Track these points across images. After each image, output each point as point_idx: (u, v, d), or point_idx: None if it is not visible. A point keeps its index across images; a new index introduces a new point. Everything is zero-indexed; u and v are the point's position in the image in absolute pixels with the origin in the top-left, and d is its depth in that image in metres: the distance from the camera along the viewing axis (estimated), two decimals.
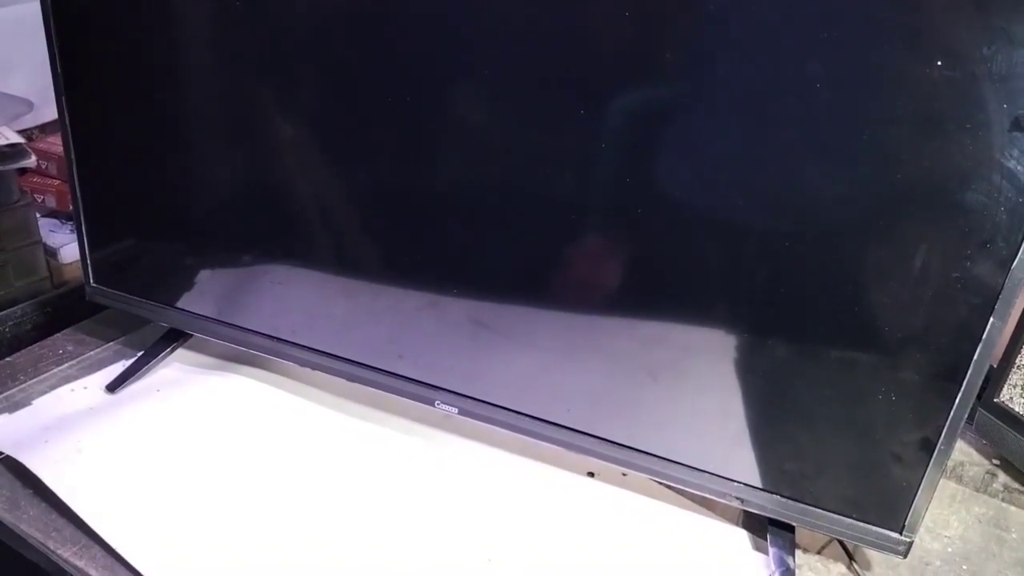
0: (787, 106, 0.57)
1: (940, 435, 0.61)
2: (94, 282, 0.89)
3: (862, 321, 0.61)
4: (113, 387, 0.86)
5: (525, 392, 0.75)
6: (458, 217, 0.71)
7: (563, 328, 0.72)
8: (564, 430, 0.74)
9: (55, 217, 1.11)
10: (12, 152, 0.93)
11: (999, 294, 0.56)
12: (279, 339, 0.83)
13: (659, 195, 0.64)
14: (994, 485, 0.84)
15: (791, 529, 0.72)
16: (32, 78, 1.11)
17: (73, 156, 0.83)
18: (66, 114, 0.82)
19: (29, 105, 1.10)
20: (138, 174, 0.83)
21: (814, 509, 0.68)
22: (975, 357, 0.58)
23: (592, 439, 0.73)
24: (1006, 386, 0.83)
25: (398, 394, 0.79)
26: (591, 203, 0.66)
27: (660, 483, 0.77)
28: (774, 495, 0.69)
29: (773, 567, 0.70)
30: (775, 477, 0.68)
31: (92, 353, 0.92)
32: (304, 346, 0.82)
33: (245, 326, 0.84)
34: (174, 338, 0.92)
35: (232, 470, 0.76)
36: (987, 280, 0.56)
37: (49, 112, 1.10)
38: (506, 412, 0.75)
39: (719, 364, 0.67)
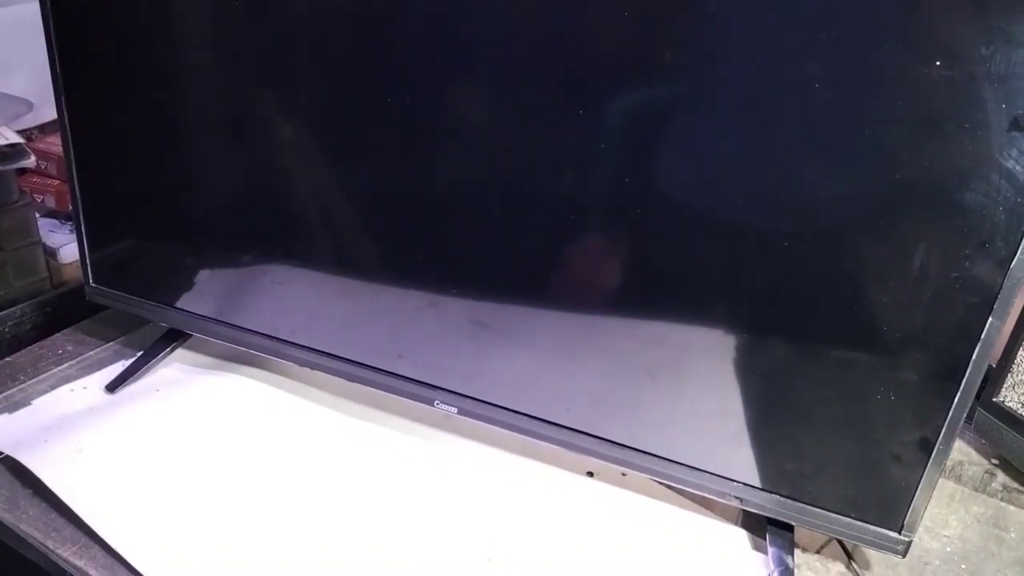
0: (786, 106, 0.57)
1: (939, 435, 0.61)
2: (93, 282, 0.89)
3: (861, 321, 0.61)
4: (113, 387, 0.86)
5: (525, 392, 0.75)
6: (458, 217, 0.71)
7: (563, 328, 0.72)
8: (564, 430, 0.74)
9: (55, 217, 1.11)
10: (12, 152, 0.93)
11: (998, 294, 0.56)
12: (279, 339, 0.83)
13: (658, 195, 0.64)
14: (993, 485, 0.84)
15: (790, 528, 0.72)
16: (32, 78, 1.11)
17: (72, 156, 0.83)
18: (65, 114, 0.82)
19: (29, 105, 1.10)
20: (137, 174, 0.83)
21: (813, 508, 0.68)
22: (974, 357, 0.58)
23: (592, 439, 0.73)
24: (1005, 386, 0.83)
25: (398, 394, 0.79)
26: (590, 203, 0.67)
27: (659, 483, 0.77)
28: (773, 495, 0.69)
29: (772, 566, 0.70)
30: (774, 477, 0.68)
31: (92, 353, 0.92)
32: (304, 346, 0.82)
33: (245, 326, 0.84)
34: (174, 338, 0.92)
35: (232, 470, 0.76)
36: (986, 280, 0.56)
37: (49, 112, 1.10)
38: (506, 412, 0.75)
39: (718, 364, 0.67)
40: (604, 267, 0.69)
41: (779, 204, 0.60)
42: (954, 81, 0.52)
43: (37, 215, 1.03)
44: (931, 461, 0.62)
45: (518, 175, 0.68)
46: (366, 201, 0.75)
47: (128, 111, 0.80)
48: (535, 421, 0.74)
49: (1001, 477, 0.84)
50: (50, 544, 0.68)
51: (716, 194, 0.62)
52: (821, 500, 0.67)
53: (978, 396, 0.76)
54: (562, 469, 0.80)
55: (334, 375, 0.82)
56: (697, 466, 0.71)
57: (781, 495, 0.69)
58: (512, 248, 0.71)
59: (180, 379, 0.88)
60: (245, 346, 0.85)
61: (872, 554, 0.74)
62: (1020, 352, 0.82)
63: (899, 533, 0.66)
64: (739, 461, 0.69)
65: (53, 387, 0.86)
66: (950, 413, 0.61)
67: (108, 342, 0.94)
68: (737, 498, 0.70)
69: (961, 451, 0.88)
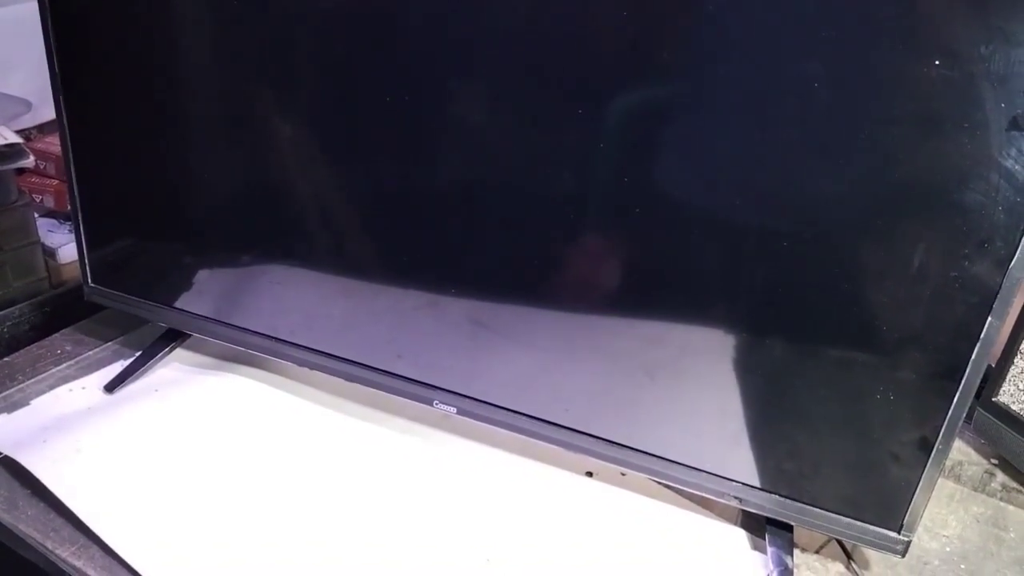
0: (785, 105, 0.57)
1: (938, 434, 0.61)
2: (92, 282, 0.89)
3: (860, 320, 0.61)
4: (111, 387, 0.86)
5: (524, 392, 0.75)
6: (457, 217, 0.71)
7: (562, 328, 0.72)
8: (563, 430, 0.74)
9: (53, 217, 1.11)
10: (10, 152, 0.93)
11: (997, 293, 0.56)
12: (277, 339, 0.83)
13: (657, 195, 0.64)
14: (992, 484, 0.84)
15: (789, 528, 0.72)
16: (30, 78, 1.11)
17: (71, 156, 0.83)
18: (64, 114, 0.82)
19: (27, 105, 1.10)
20: (136, 174, 0.83)
21: (812, 508, 0.68)
22: (973, 356, 0.58)
23: (591, 439, 0.73)
24: (1004, 385, 0.83)
25: (396, 394, 0.79)
26: (589, 203, 0.66)
27: (659, 483, 0.77)
28: (772, 494, 0.69)
29: (771, 566, 0.70)
30: (773, 476, 0.68)
31: (90, 353, 0.92)
32: (303, 346, 0.82)
33: (244, 326, 0.84)
34: (172, 338, 0.91)
35: (230, 470, 0.76)
36: (985, 279, 0.56)
37: (47, 112, 1.10)
38: (505, 412, 0.75)
39: (717, 364, 0.67)
40: (603, 267, 0.69)
41: (778, 204, 0.60)
42: (953, 80, 0.52)
43: (36, 215, 1.03)
44: (930, 461, 0.62)
45: (517, 175, 0.68)
46: (365, 201, 0.75)
47: (127, 111, 0.80)
48: (534, 421, 0.74)
49: (1000, 477, 0.84)
50: (49, 544, 0.68)
51: (715, 194, 0.62)
52: (820, 500, 0.67)
53: (977, 396, 0.76)
54: (561, 469, 0.80)
55: (333, 375, 0.82)
56: (696, 466, 0.71)
57: (780, 495, 0.69)
58: (511, 248, 0.71)
59: (179, 379, 0.88)
60: (244, 346, 0.85)
61: (871, 554, 0.74)
62: (1019, 352, 0.82)
63: (898, 533, 0.66)
64: (738, 461, 0.69)
65: (52, 387, 0.86)
66: (949, 413, 0.61)
67: (107, 342, 0.94)
68: (736, 498, 0.70)
69: (960, 451, 0.88)
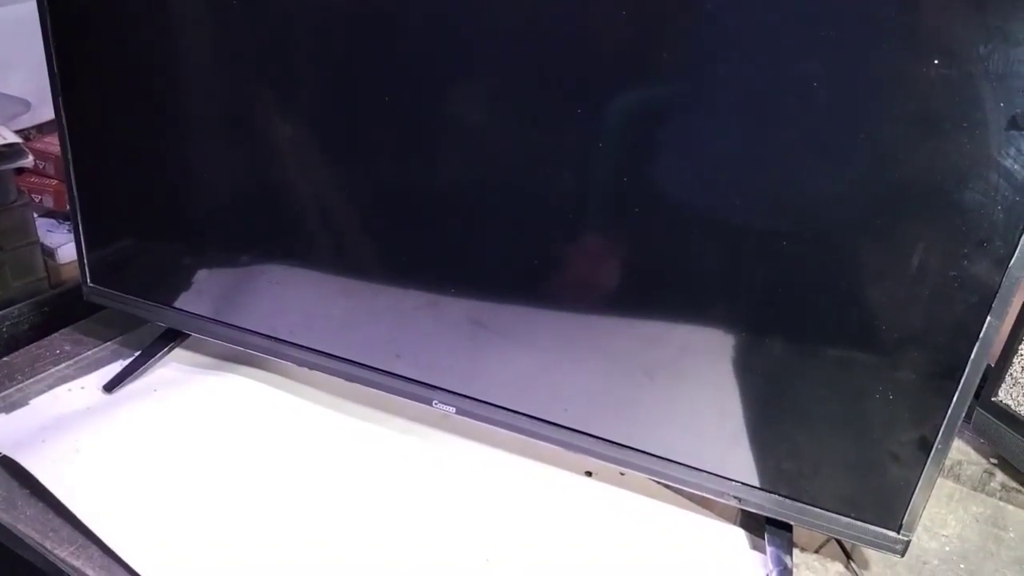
0: (784, 105, 0.57)
1: (938, 434, 0.61)
2: (91, 282, 0.89)
3: (860, 320, 0.61)
4: (110, 387, 0.86)
5: (523, 392, 0.75)
6: (456, 217, 0.71)
7: (561, 328, 0.72)
8: (562, 430, 0.74)
9: (52, 217, 1.11)
10: (9, 152, 0.93)
11: (996, 293, 0.56)
12: (277, 339, 0.83)
13: (657, 195, 0.64)
14: (992, 484, 0.84)
15: (789, 528, 0.72)
16: (30, 78, 1.11)
17: (70, 156, 0.83)
18: (63, 114, 0.82)
19: (27, 105, 1.10)
20: (135, 174, 0.83)
21: (812, 508, 0.68)
22: (972, 356, 0.58)
23: (590, 439, 0.73)
24: (1004, 385, 0.83)
25: (396, 394, 0.79)
26: (589, 203, 0.66)
27: (658, 482, 0.77)
28: (772, 494, 0.69)
29: (771, 566, 0.70)
30: (773, 476, 0.68)
31: (89, 353, 0.92)
32: (302, 346, 0.82)
33: (243, 326, 0.84)
34: (171, 338, 0.91)
35: (230, 470, 0.76)
36: (984, 279, 0.56)
37: (47, 112, 1.10)
38: (504, 412, 0.75)
39: (717, 363, 0.67)
40: (602, 267, 0.69)
41: (777, 203, 0.60)
42: (952, 80, 0.52)
43: (35, 215, 1.03)
44: (930, 460, 0.62)
45: (517, 175, 0.68)
46: (364, 201, 0.75)
47: (126, 111, 0.80)
48: (533, 421, 0.74)
49: (1000, 476, 0.84)
50: (48, 544, 0.68)
51: (715, 194, 0.62)
52: (820, 499, 0.67)
53: (977, 395, 0.76)
54: (561, 469, 0.80)
55: (332, 375, 0.81)
56: (696, 466, 0.70)
57: (780, 494, 0.69)
58: (511, 248, 0.71)
59: (178, 379, 0.88)
60: (243, 346, 0.85)
61: (871, 554, 0.74)
62: (1019, 351, 0.82)
63: (898, 532, 0.66)
64: (738, 461, 0.69)
65: (51, 387, 0.86)
66: (949, 412, 0.61)
67: (106, 342, 0.94)
68: (736, 497, 0.70)
69: (960, 450, 0.88)
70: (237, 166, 0.79)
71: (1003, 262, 0.55)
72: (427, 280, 0.75)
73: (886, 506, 0.65)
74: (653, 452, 0.71)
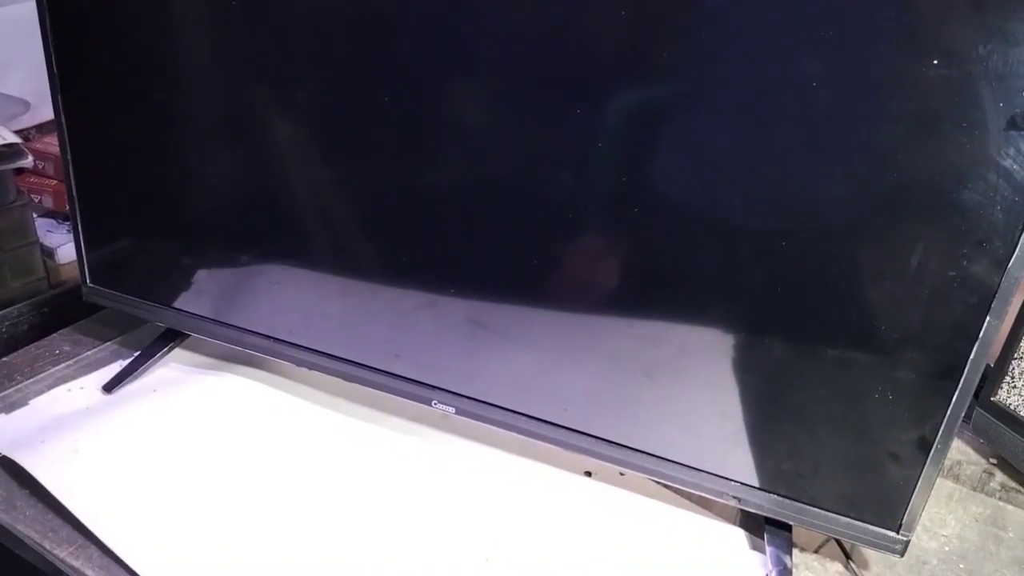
0: (783, 105, 0.57)
1: (937, 434, 0.61)
2: (91, 282, 0.89)
3: (859, 320, 0.61)
4: (110, 387, 0.86)
5: (522, 392, 0.75)
6: (455, 216, 0.71)
7: (560, 328, 0.72)
8: (561, 429, 0.74)
9: (52, 217, 1.11)
10: (9, 152, 0.93)
11: (995, 293, 0.56)
12: (276, 339, 0.83)
13: (656, 194, 0.64)
14: (991, 484, 0.84)
15: (788, 528, 0.72)
16: (29, 78, 1.11)
17: (69, 156, 0.83)
18: (62, 114, 0.82)
19: (26, 105, 1.10)
20: (135, 174, 0.83)
21: (811, 508, 0.68)
22: (972, 356, 0.58)
23: (589, 438, 0.73)
24: (1003, 385, 0.83)
25: (395, 394, 0.79)
26: (588, 202, 0.66)
27: (657, 482, 0.77)
28: (771, 494, 0.69)
29: (770, 566, 0.70)
30: (772, 476, 0.68)
31: (89, 353, 0.92)
32: (301, 346, 0.82)
33: (242, 326, 0.84)
34: (171, 338, 0.91)
35: (229, 470, 0.76)
36: (984, 279, 0.56)
37: (46, 112, 1.10)
38: (503, 412, 0.75)
39: (716, 363, 0.67)
40: (601, 267, 0.69)
41: (776, 203, 0.60)
42: (951, 80, 0.52)
43: (34, 215, 1.03)
44: (929, 460, 0.62)
45: (516, 174, 0.68)
46: (363, 201, 0.75)
47: (125, 111, 0.80)
48: (533, 421, 0.74)
49: (999, 476, 0.84)
50: (47, 544, 0.68)
51: (714, 194, 0.62)
52: (819, 499, 0.67)
53: (976, 395, 0.76)
54: (560, 469, 0.80)
55: (331, 375, 0.81)
56: (695, 465, 0.70)
57: (779, 495, 0.69)
58: (510, 248, 0.71)
59: (177, 379, 0.88)
60: (242, 346, 0.85)
61: (870, 553, 0.74)
62: (1018, 351, 0.82)
63: (897, 532, 0.66)
64: (737, 460, 0.69)
65: (50, 387, 0.86)
66: (948, 412, 0.60)
67: (105, 342, 0.94)
68: (735, 498, 0.70)
69: (959, 450, 0.88)
70: (236, 166, 0.79)
71: (1002, 262, 0.55)
72: (426, 280, 0.75)
73: (885, 506, 0.65)
74: (652, 452, 0.71)
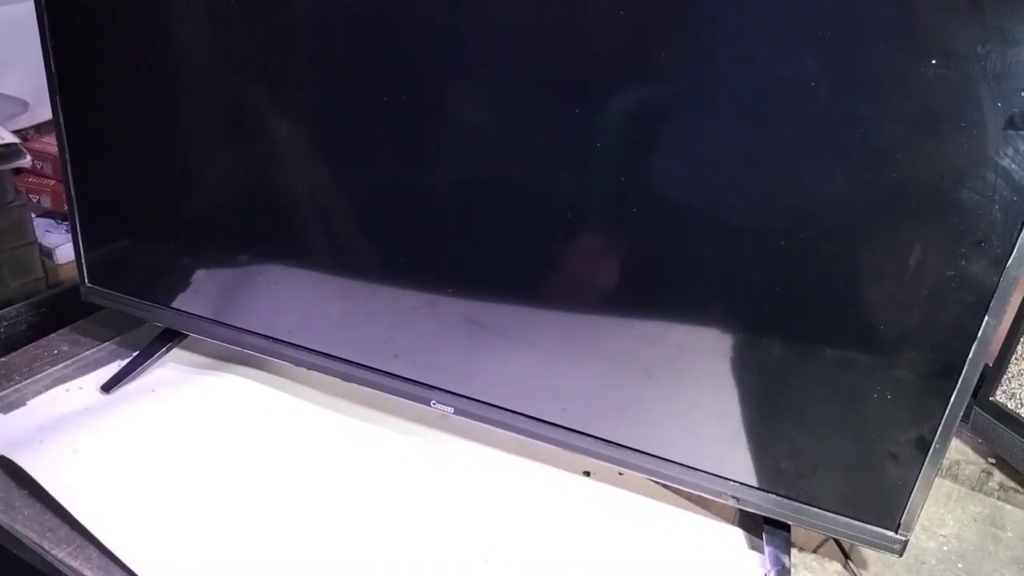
0: (781, 105, 0.57)
1: (935, 434, 0.61)
2: (89, 282, 0.89)
3: (858, 320, 0.61)
4: (108, 387, 0.86)
5: (521, 391, 0.75)
6: (454, 216, 0.71)
7: (559, 327, 0.72)
8: (560, 429, 0.74)
9: (51, 217, 1.11)
10: (7, 152, 0.93)
11: (994, 292, 0.56)
12: (275, 339, 0.83)
13: (655, 194, 0.64)
14: (990, 484, 0.84)
15: (787, 528, 0.72)
16: (27, 78, 1.11)
17: (68, 156, 0.83)
18: (60, 114, 0.81)
19: (24, 105, 1.10)
20: (133, 174, 0.83)
21: (810, 508, 0.68)
22: (970, 355, 0.58)
23: (588, 438, 0.73)
24: (1002, 385, 0.83)
25: (394, 394, 0.79)
26: (587, 202, 0.66)
27: (656, 482, 0.77)
28: (770, 494, 0.69)
29: (769, 566, 0.70)
30: (771, 476, 0.68)
31: (87, 353, 0.92)
32: (300, 346, 0.82)
33: (241, 326, 0.84)
34: (169, 338, 0.91)
35: (227, 470, 0.76)
36: (982, 278, 0.56)
37: (45, 112, 1.10)
38: (502, 412, 0.75)
39: (715, 363, 0.67)
40: (600, 266, 0.69)
41: (775, 203, 0.60)
42: (950, 80, 0.52)
43: (33, 215, 1.03)
44: (928, 460, 0.62)
45: (514, 174, 0.68)
46: (362, 201, 0.75)
47: (123, 111, 0.80)
48: (532, 421, 0.74)
49: (998, 476, 0.84)
50: (45, 545, 0.68)
51: (712, 193, 0.62)
52: (818, 499, 0.67)
53: (975, 395, 0.76)
54: (559, 468, 0.80)
55: (330, 375, 0.81)
56: (694, 465, 0.70)
57: (778, 494, 0.69)
58: (508, 247, 0.71)
59: (176, 379, 0.88)
60: (241, 346, 0.85)
61: (869, 553, 0.74)
62: (1017, 351, 0.82)
63: (896, 532, 0.66)
64: (736, 460, 0.69)
65: (49, 387, 0.86)
66: (947, 412, 0.61)
67: (104, 342, 0.94)
68: (734, 497, 0.70)
69: (958, 450, 0.88)
70: (235, 166, 0.79)
71: (1001, 262, 0.55)
72: (425, 280, 0.75)
73: (884, 506, 0.65)
74: (651, 452, 0.71)
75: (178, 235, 0.84)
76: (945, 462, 0.84)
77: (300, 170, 0.76)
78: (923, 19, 0.52)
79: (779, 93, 0.57)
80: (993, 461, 0.86)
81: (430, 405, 0.78)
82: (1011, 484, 0.84)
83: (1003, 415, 0.83)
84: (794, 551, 0.73)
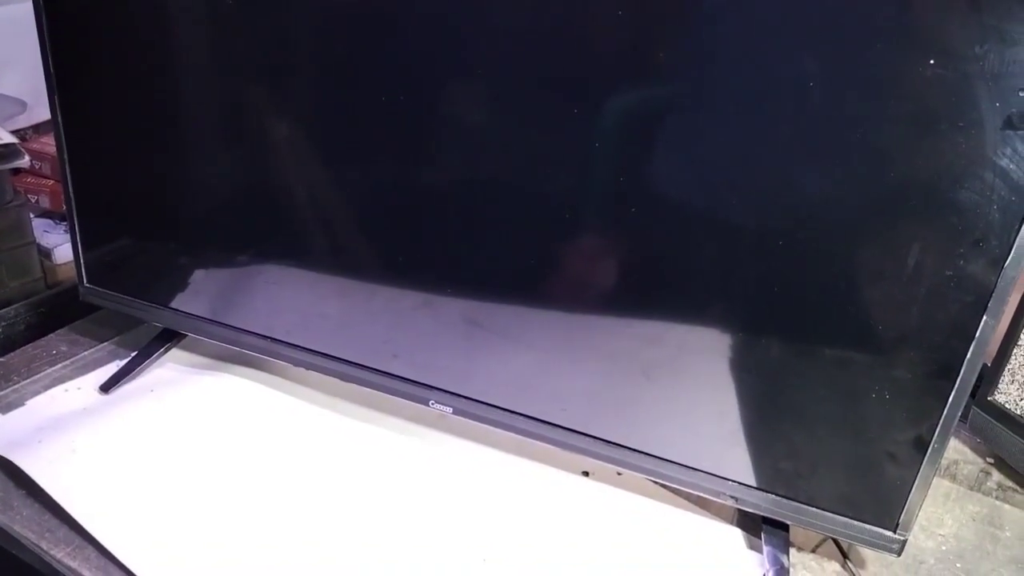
0: (780, 105, 0.57)
1: (934, 433, 0.61)
2: (88, 282, 0.89)
3: (856, 320, 0.61)
4: (107, 387, 0.86)
5: (520, 391, 0.75)
6: (453, 216, 0.71)
7: (558, 327, 0.72)
8: (559, 429, 0.74)
9: (49, 217, 1.11)
10: (6, 152, 0.92)
11: (992, 292, 0.56)
12: (273, 339, 0.83)
13: (653, 194, 0.64)
14: (988, 483, 0.84)
15: (786, 528, 0.72)
16: (26, 78, 1.11)
17: (66, 156, 0.83)
18: (59, 114, 0.81)
19: (23, 105, 1.10)
20: (131, 174, 0.83)
21: (808, 508, 0.68)
22: (968, 355, 0.58)
23: (587, 438, 0.73)
24: (1000, 384, 0.83)
25: (392, 394, 0.79)
26: (585, 202, 0.66)
27: (655, 482, 0.77)
28: (768, 494, 0.69)
29: (768, 566, 0.70)
30: (769, 476, 0.68)
31: (86, 353, 0.92)
32: (298, 346, 0.82)
33: (239, 326, 0.84)
34: (168, 338, 0.91)
35: (226, 470, 0.76)
36: (980, 278, 0.56)
37: (43, 112, 1.10)
38: (501, 412, 0.75)
39: (714, 363, 0.67)
40: (599, 266, 0.69)
41: (774, 203, 0.60)
42: (948, 80, 0.52)
43: (31, 215, 1.03)
44: (926, 460, 0.62)
45: (513, 174, 0.68)
46: (361, 201, 0.75)
47: (122, 111, 0.80)
48: (531, 421, 0.74)
49: (996, 476, 0.85)
50: (44, 545, 0.68)
51: (711, 193, 0.62)
52: (816, 499, 0.67)
53: (973, 395, 0.76)
54: (558, 468, 0.80)
55: (329, 375, 0.81)
56: (693, 465, 0.70)
57: (776, 494, 0.69)
58: (507, 247, 0.71)
59: (174, 379, 0.88)
60: (240, 346, 0.85)
61: (867, 553, 0.74)
62: (1015, 351, 0.82)
63: (894, 532, 0.66)
64: (735, 460, 0.69)
65: (47, 387, 0.85)
66: (945, 412, 0.61)
67: (102, 342, 0.94)
68: (733, 497, 0.70)
69: (956, 450, 0.88)
70: (233, 166, 0.79)
71: (999, 261, 0.55)
72: (424, 280, 0.75)
73: (883, 505, 0.65)
74: (650, 452, 0.71)
75: (177, 235, 0.84)
76: (943, 462, 0.84)
77: (299, 170, 0.76)
78: (921, 19, 0.52)
79: (778, 93, 0.57)
80: (991, 461, 0.86)
81: (429, 405, 0.78)
82: (1009, 484, 0.84)
83: (1002, 415, 0.83)
84: (793, 551, 0.73)
